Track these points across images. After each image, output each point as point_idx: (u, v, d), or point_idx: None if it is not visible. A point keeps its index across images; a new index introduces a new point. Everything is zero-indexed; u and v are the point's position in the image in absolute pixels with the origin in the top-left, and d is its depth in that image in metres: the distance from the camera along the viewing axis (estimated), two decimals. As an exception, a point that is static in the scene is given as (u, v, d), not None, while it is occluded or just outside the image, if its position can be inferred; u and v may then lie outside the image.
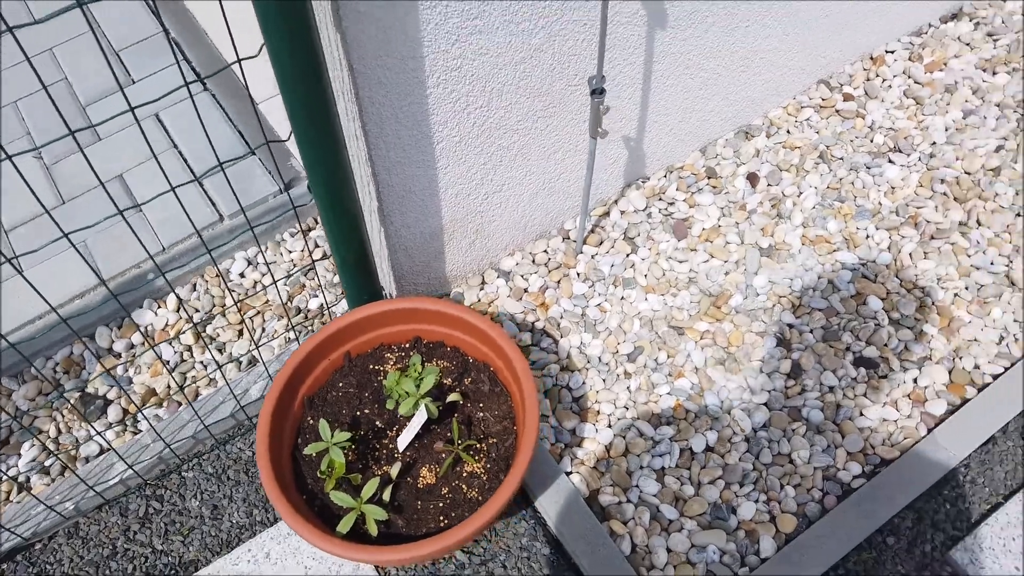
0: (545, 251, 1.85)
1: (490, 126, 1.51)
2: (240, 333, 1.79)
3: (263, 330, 1.80)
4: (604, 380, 1.65)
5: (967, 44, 2.23)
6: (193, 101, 1.03)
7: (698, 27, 1.67)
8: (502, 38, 1.37)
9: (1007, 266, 1.78)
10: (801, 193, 1.93)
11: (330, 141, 1.22)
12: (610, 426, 1.59)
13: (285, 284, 1.86)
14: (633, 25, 1.55)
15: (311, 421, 1.38)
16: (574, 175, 1.78)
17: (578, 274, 1.81)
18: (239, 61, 1.05)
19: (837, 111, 2.09)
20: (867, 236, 1.85)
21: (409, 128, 1.39)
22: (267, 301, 1.84)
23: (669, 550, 1.44)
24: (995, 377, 1.62)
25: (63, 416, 1.70)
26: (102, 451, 1.65)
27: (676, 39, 1.66)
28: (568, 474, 1.53)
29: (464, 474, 1.32)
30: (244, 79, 1.10)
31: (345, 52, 1.22)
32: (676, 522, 1.47)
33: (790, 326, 1.72)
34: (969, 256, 1.81)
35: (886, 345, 1.68)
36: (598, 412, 1.61)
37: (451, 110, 1.42)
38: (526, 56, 1.44)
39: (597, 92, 1.44)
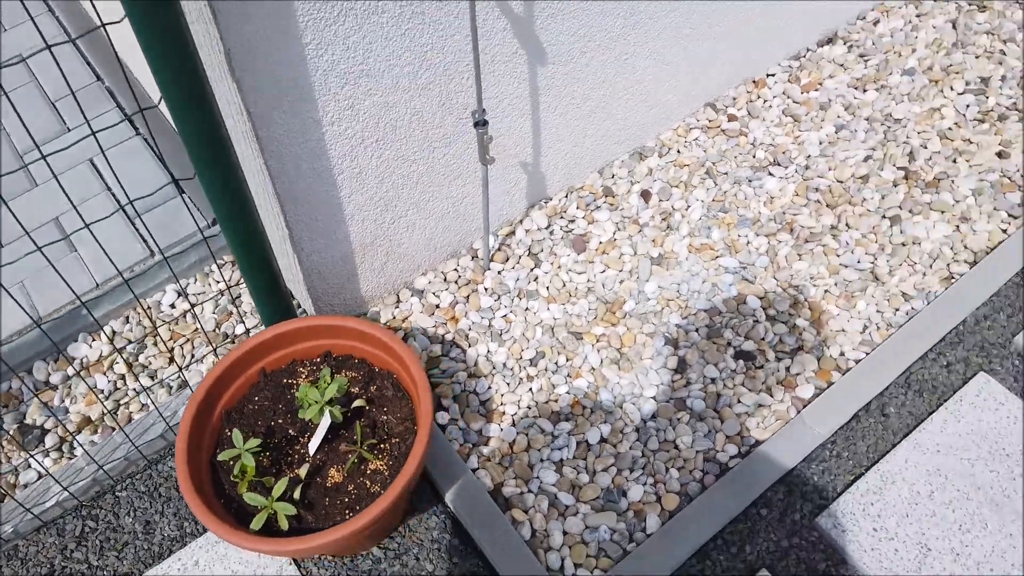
0: (455, 269, 2.01)
1: (388, 157, 1.67)
2: (171, 360, 1.91)
3: (192, 356, 1.92)
4: (508, 384, 1.80)
5: (841, 65, 2.45)
6: (103, 151, 1.17)
7: (577, 62, 1.85)
8: (389, 80, 1.53)
9: (872, 263, 1.98)
10: (689, 206, 2.11)
11: (230, 180, 1.36)
12: (514, 425, 1.74)
13: (214, 312, 1.99)
14: (514, 63, 1.73)
15: (229, 433, 1.50)
16: (477, 199, 1.94)
17: (486, 289, 1.97)
18: (141, 111, 1.20)
19: (722, 131, 2.29)
20: (747, 242, 2.03)
21: (310, 163, 1.54)
22: (196, 329, 1.96)
23: (565, 532, 1.58)
24: (858, 362, 1.80)
25: (2, 447, 1.80)
26: (40, 476, 1.75)
27: (558, 73, 1.84)
28: (475, 471, 1.67)
29: (369, 471, 1.45)
30: (148, 126, 1.25)
31: (242, 99, 1.38)
32: (572, 507, 1.61)
33: (677, 326, 1.88)
34: (838, 256, 2.00)
35: (763, 339, 1.85)
36: (503, 413, 1.76)
37: (348, 145, 1.58)
38: (415, 94, 1.61)
39: (480, 124, 1.61)
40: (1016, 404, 1.73)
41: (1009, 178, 2.13)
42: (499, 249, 2.04)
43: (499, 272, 2.00)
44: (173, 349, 1.93)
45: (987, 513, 1.58)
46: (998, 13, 2.57)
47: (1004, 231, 2.02)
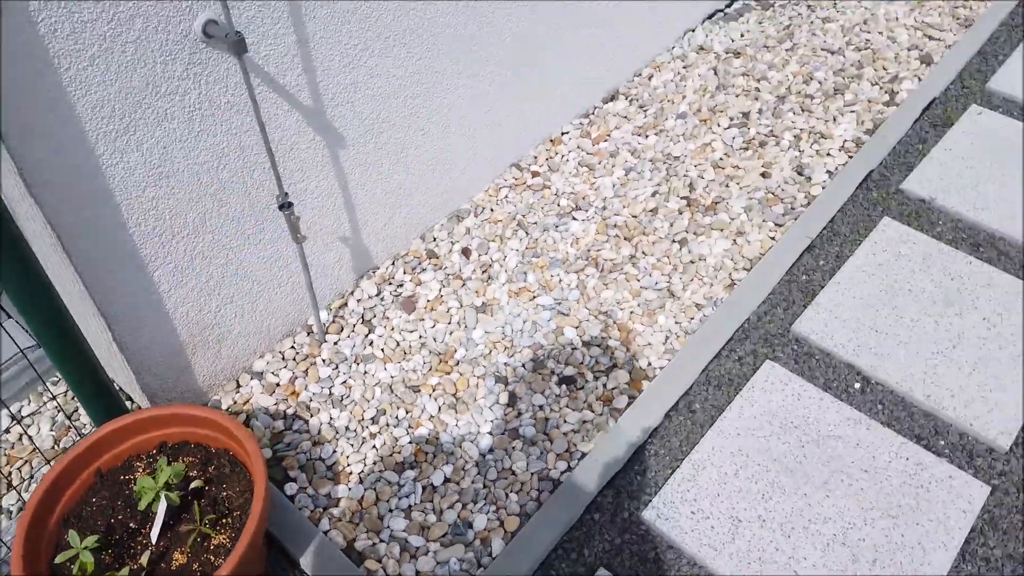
0: (292, 347, 2.10)
1: (203, 249, 1.77)
2: (9, 485, 1.88)
3: (32, 477, 1.90)
4: (352, 444, 1.89)
5: (624, 117, 2.78)
6: None
7: (377, 141, 2.04)
8: (189, 177, 1.66)
9: (668, 282, 2.23)
10: (505, 257, 2.32)
11: (39, 294, 1.43)
12: (361, 482, 1.82)
13: (51, 430, 1.98)
14: (315, 149, 1.89)
15: (68, 538, 1.51)
16: (303, 277, 2.06)
17: (324, 360, 2.07)
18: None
19: (528, 186, 2.53)
20: (560, 280, 2.25)
21: (122, 263, 1.63)
22: (34, 449, 1.95)
23: (417, 572, 1.67)
24: (662, 369, 2.02)
25: None
26: None
27: (361, 152, 2.02)
28: (327, 532, 1.74)
29: (213, 547, 1.50)
30: (-59, 249, 1.31)
31: (44, 214, 1.46)
32: (423, 547, 1.71)
33: (505, 364, 2.05)
34: (639, 280, 2.25)
35: (581, 363, 2.05)
36: (350, 473, 1.84)
37: (159, 242, 1.67)
38: (219, 188, 1.73)
39: (284, 207, 1.75)
40: (797, 382, 1.99)
41: (773, 193, 2.48)
42: (333, 321, 2.15)
43: (335, 343, 2.11)
44: (11, 474, 1.90)
45: (783, 480, 1.80)
46: (750, 57, 3.00)
47: (772, 238, 2.34)
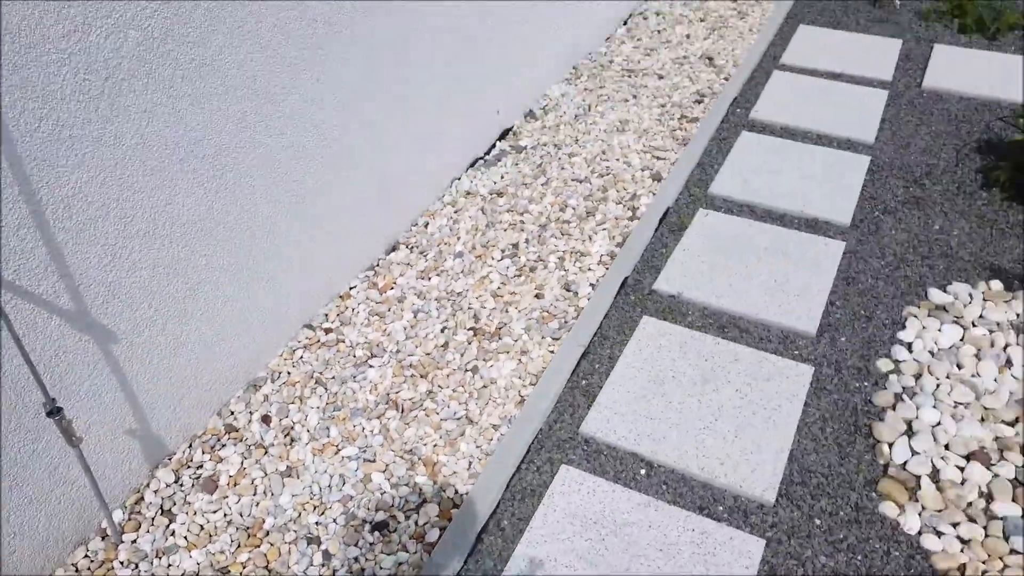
0: (87, 555, 1.99)
1: (-34, 474, 1.69)
2: None
3: None
4: (160, 646, 1.80)
5: (407, 264, 2.99)
6: None
7: (152, 328, 2.07)
8: (-59, 402, 1.61)
9: (465, 410, 2.38)
10: (306, 416, 2.37)
11: None
12: None
13: None
14: (84, 348, 1.89)
15: None
16: (87, 481, 1.99)
17: (122, 563, 1.97)
18: None
19: (323, 343, 2.63)
20: (362, 428, 2.33)
21: None
22: None
23: None
24: (467, 494, 2.12)
25: None
26: None
27: (135, 343, 2.03)
28: None
29: None
30: None
31: None
32: None
33: (317, 523, 2.06)
34: (438, 414, 2.37)
35: (392, 505, 2.11)
36: None
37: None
38: (-22, 406, 1.68)
39: (53, 413, 1.73)
40: (591, 480, 2.16)
41: (547, 311, 2.74)
42: (130, 518, 2.07)
43: (133, 541, 2.02)
44: None
45: (589, 573, 1.93)
46: (512, 195, 3.36)
47: (551, 352, 2.58)
